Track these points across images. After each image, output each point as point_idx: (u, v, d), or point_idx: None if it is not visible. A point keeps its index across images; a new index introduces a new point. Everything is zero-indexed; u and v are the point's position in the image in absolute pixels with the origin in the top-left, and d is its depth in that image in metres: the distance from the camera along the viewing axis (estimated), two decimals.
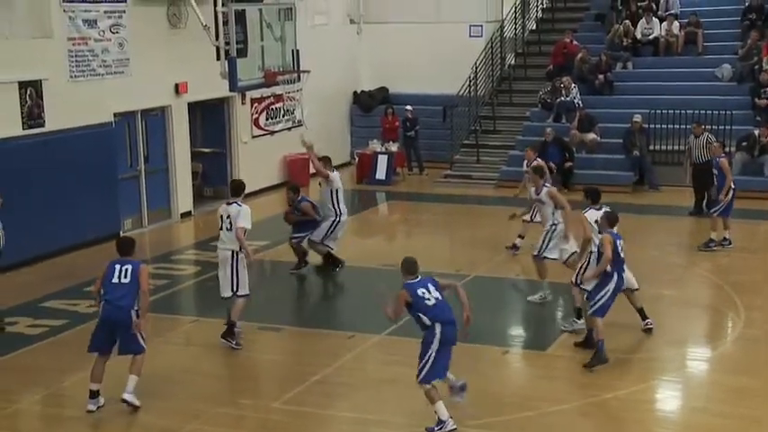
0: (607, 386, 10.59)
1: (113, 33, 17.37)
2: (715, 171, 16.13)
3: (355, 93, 25.59)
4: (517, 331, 13.21)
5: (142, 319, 10.07)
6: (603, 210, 11.90)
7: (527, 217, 15.40)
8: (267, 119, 22.05)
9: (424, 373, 9.42)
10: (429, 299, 9.52)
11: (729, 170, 16.01)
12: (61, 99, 16.31)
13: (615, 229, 11.30)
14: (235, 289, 11.83)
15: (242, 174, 20.86)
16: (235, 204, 11.87)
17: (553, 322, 13.02)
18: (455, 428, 9.38)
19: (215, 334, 11.98)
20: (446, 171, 23.09)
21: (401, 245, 17.79)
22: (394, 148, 23.34)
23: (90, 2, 16.89)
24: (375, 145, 23.52)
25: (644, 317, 12.21)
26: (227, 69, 17.07)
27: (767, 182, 19.86)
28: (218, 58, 17.57)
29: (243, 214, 11.76)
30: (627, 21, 24.23)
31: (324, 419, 10.14)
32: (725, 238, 16.15)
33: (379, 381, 10.92)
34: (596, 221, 11.78)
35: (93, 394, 10.11)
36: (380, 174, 22.90)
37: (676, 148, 20.66)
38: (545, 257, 13.33)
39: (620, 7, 25.14)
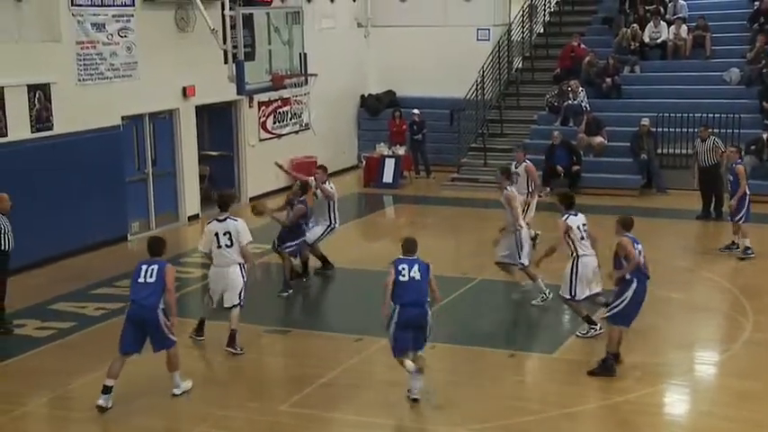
0: (614, 389, 10.57)
1: (121, 37, 17.42)
2: (730, 177, 16.07)
3: (362, 96, 25.59)
4: (524, 334, 13.19)
5: (172, 318, 10.28)
6: (579, 215, 11.94)
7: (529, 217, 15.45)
8: (275, 122, 22.06)
9: (392, 348, 10.08)
10: (404, 276, 9.64)
11: (745, 176, 15.90)
12: (69, 102, 16.36)
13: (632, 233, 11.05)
14: (241, 299, 11.89)
15: (249, 177, 20.97)
16: (230, 220, 11.81)
17: (560, 326, 13.01)
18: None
19: (222, 336, 11.99)
20: (453, 174, 23.09)
21: None
22: (401, 151, 23.33)
23: (98, 6, 16.94)
24: (382, 148, 23.51)
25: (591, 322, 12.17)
26: (234, 73, 17.12)
27: None
28: (226, 62, 17.57)
29: (244, 229, 11.80)
30: (635, 24, 24.23)
31: (331, 422, 10.15)
32: (733, 242, 16.13)
33: (387, 384, 10.89)
34: (579, 227, 11.77)
35: (107, 390, 10.15)
36: (387, 177, 22.88)
37: (684, 151, 20.63)
38: (523, 264, 13.51)
39: (627, 11, 25.14)
